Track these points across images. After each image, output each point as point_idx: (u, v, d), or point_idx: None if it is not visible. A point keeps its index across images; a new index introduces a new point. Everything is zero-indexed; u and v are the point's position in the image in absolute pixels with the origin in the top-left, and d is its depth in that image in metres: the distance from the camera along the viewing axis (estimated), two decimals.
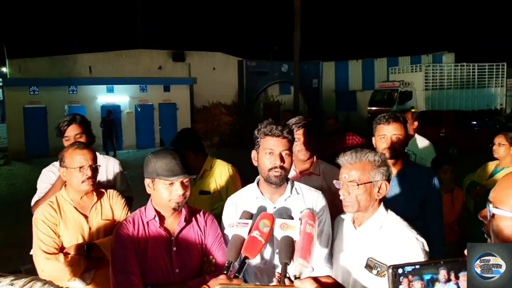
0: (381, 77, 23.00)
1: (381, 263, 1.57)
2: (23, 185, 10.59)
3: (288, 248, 1.47)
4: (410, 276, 0.93)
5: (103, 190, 2.31)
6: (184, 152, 1.91)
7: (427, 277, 0.94)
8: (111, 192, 2.32)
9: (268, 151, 1.83)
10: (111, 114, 15.64)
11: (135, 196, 2.71)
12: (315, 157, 2.57)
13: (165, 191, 1.72)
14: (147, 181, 1.76)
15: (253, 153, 1.92)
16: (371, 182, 1.69)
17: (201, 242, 1.83)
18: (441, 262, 0.95)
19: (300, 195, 1.93)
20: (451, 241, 3.19)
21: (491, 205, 1.05)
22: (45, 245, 2.05)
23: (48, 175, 2.62)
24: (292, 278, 1.33)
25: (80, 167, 2.12)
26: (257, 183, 1.95)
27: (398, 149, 2.37)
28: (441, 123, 12.74)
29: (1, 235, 2.45)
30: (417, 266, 0.95)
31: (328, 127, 4.99)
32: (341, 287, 1.05)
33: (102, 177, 2.61)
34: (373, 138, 2.49)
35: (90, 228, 2.18)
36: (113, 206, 2.27)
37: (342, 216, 1.89)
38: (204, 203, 2.71)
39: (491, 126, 13.79)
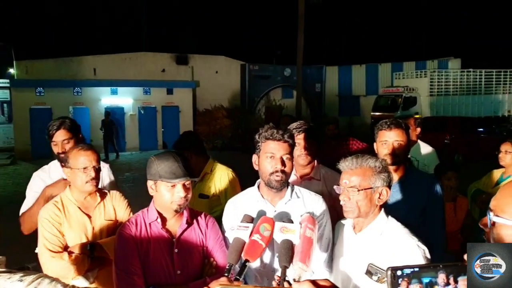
0: (385, 82, 22.94)
1: (381, 269, 1.57)
2: None
3: (288, 252, 1.48)
4: (409, 279, 0.94)
5: (106, 191, 2.34)
6: (186, 154, 1.92)
7: (426, 280, 0.94)
8: (114, 193, 2.35)
9: (269, 155, 1.84)
10: (109, 115, 15.67)
11: (138, 197, 2.72)
12: (315, 162, 2.58)
13: (167, 193, 1.74)
14: (149, 183, 1.78)
15: (254, 157, 1.93)
16: (371, 188, 1.69)
17: (202, 244, 1.85)
18: (441, 266, 0.95)
19: (300, 199, 1.94)
20: (454, 250, 3.17)
21: (491, 213, 1.05)
22: (50, 244, 2.09)
23: (35, 182, 2.62)
24: (291, 282, 1.34)
25: (84, 168, 2.15)
26: (258, 187, 1.96)
27: (400, 155, 2.37)
28: (446, 129, 12.65)
29: (7, 233, 2.48)
30: (416, 269, 0.95)
31: (328, 132, 5.01)
32: None
33: None
34: (375, 144, 2.49)
35: (93, 228, 2.21)
36: (116, 206, 2.30)
37: (343, 221, 1.90)
38: (203, 207, 2.72)
39: (498, 133, 13.65)
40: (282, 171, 1.83)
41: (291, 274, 1.42)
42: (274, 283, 1.45)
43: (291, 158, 1.88)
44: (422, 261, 1.61)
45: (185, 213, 1.83)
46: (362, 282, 1.66)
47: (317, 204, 1.95)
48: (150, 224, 1.80)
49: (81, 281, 2.06)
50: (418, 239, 1.69)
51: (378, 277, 1.51)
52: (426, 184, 2.45)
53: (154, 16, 28.53)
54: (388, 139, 2.38)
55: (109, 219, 2.25)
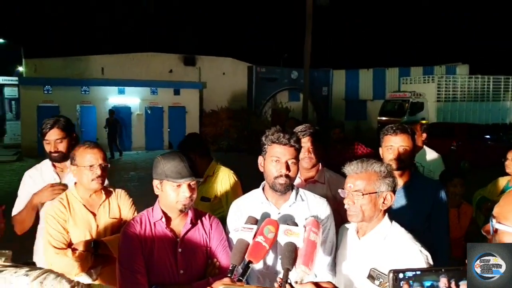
0: (392, 87, 22.85)
1: (383, 274, 1.57)
2: None
3: (291, 254, 1.48)
4: (410, 282, 0.94)
5: (111, 189, 2.36)
6: (190, 155, 1.93)
7: (427, 284, 0.95)
8: (119, 191, 2.37)
9: (274, 159, 1.84)
10: (114, 114, 15.70)
11: (143, 196, 2.74)
12: (320, 165, 2.58)
13: (173, 192, 1.75)
14: (155, 182, 1.80)
15: (260, 159, 1.94)
16: (376, 192, 1.70)
17: (206, 245, 1.86)
18: (442, 269, 0.95)
19: (304, 202, 1.94)
20: (457, 256, 3.15)
21: (494, 220, 1.05)
22: (55, 240, 2.11)
23: (26, 181, 2.63)
24: (293, 284, 1.35)
25: (90, 166, 2.17)
26: (262, 189, 1.96)
27: (405, 161, 2.37)
28: (453, 135, 12.58)
29: (12, 228, 2.52)
30: (418, 272, 0.96)
31: (334, 136, 5.01)
32: None
33: None
34: (380, 149, 2.49)
35: (97, 226, 2.23)
36: (121, 205, 2.32)
37: (346, 225, 1.90)
38: (205, 210, 2.72)
39: (506, 140, 13.53)
40: (287, 176, 1.83)
41: (293, 276, 1.42)
42: (276, 285, 1.46)
43: (297, 162, 1.88)
44: (425, 267, 1.61)
45: (190, 213, 1.84)
46: (364, 286, 1.66)
47: (322, 208, 1.95)
48: (154, 223, 1.81)
49: (84, 278, 2.08)
50: (422, 245, 1.68)
51: (380, 282, 1.51)
52: (431, 190, 2.44)
53: (162, 17, 28.73)
54: (393, 144, 2.38)
55: (113, 217, 2.27)
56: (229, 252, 1.80)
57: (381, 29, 31.95)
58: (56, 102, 16.09)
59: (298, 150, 1.89)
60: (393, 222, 1.77)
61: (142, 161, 14.42)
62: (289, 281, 1.38)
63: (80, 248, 2.11)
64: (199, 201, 2.82)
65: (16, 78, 18.38)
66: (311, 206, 1.94)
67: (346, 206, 1.73)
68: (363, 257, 1.73)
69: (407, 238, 1.70)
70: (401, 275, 0.95)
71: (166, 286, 1.75)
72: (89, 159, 2.18)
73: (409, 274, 0.95)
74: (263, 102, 21.53)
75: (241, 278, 1.44)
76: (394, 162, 2.31)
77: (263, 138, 1.91)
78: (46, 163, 2.67)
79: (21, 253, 2.38)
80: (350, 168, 1.75)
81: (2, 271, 1.06)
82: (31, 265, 1.15)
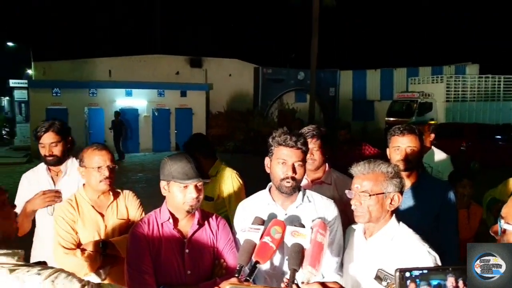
0: (400, 87, 22.70)
1: (391, 274, 1.56)
2: None
3: (298, 255, 1.48)
4: (417, 281, 0.94)
5: (119, 191, 2.38)
6: (196, 156, 1.94)
7: (434, 282, 0.94)
8: (127, 192, 2.39)
9: (281, 161, 1.84)
10: (119, 116, 15.74)
11: (151, 197, 2.75)
12: (327, 166, 2.57)
13: (180, 193, 1.76)
14: (162, 183, 1.81)
15: (266, 160, 1.94)
16: (383, 193, 1.69)
17: (213, 245, 1.87)
18: (450, 268, 0.95)
19: (311, 203, 1.94)
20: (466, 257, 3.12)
21: (502, 221, 1.04)
22: (64, 241, 2.14)
23: (22, 183, 2.63)
24: (300, 284, 1.34)
25: (99, 167, 2.19)
26: (269, 190, 1.96)
27: (413, 161, 2.35)
28: (463, 136, 12.48)
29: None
30: (425, 271, 0.95)
31: (340, 137, 5.01)
32: None
33: (72, 187, 2.51)
34: (387, 150, 2.48)
35: (106, 227, 2.25)
36: (128, 206, 2.34)
37: (353, 226, 1.89)
38: (208, 209, 2.73)
39: None
40: (293, 178, 1.83)
41: (300, 277, 1.42)
42: (282, 285, 1.46)
43: (303, 164, 1.88)
44: None
45: (197, 214, 1.85)
46: (371, 287, 1.66)
47: (329, 209, 1.95)
48: (162, 224, 1.82)
49: (93, 278, 2.10)
50: (429, 245, 1.67)
51: (388, 283, 1.50)
52: (440, 190, 2.42)
53: (168, 19, 28.87)
54: (401, 145, 2.36)
55: (121, 218, 2.29)
56: (236, 253, 1.81)
57: (389, 29, 31.75)
58: (64, 104, 16.27)
59: (305, 152, 1.88)
60: (401, 223, 1.76)
61: (149, 163, 14.50)
62: (295, 282, 1.38)
63: (89, 248, 2.13)
64: (203, 200, 2.84)
65: (26, 81, 18.58)
66: (318, 207, 1.93)
67: (353, 207, 1.73)
68: (370, 258, 1.72)
69: (415, 239, 1.69)
70: (407, 274, 0.95)
71: (173, 286, 1.76)
72: (97, 160, 2.20)
73: (416, 273, 0.95)
74: (269, 103, 21.53)
75: (248, 278, 1.44)
76: (401, 163, 2.30)
77: (270, 140, 1.90)
78: (42, 166, 2.67)
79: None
80: (357, 169, 1.75)
81: (15, 270, 1.08)
82: (43, 264, 1.17)
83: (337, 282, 1.06)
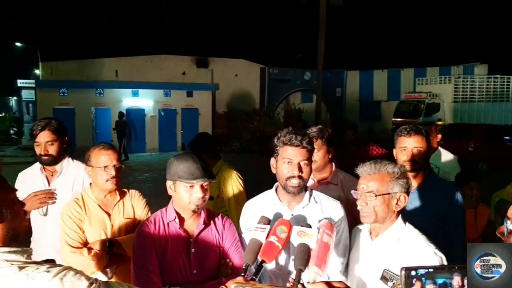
0: (408, 88, 22.58)
1: (396, 275, 1.56)
2: None
3: (304, 255, 1.48)
4: (423, 279, 0.94)
5: (125, 190, 2.39)
6: (202, 156, 1.95)
7: (440, 281, 0.94)
8: (133, 192, 2.40)
9: (286, 160, 1.84)
10: (123, 116, 15.73)
11: (157, 197, 2.77)
12: (334, 166, 2.57)
13: (186, 193, 1.77)
14: (168, 183, 1.82)
15: (272, 161, 1.94)
16: (389, 193, 1.68)
17: (219, 245, 1.87)
18: (456, 267, 0.95)
19: (318, 203, 1.93)
20: None
21: (509, 222, 1.04)
22: (71, 239, 2.15)
23: (18, 181, 2.59)
24: (306, 284, 1.35)
25: (105, 167, 2.20)
26: (275, 190, 1.97)
27: (419, 162, 2.34)
28: (470, 136, 12.38)
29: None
30: (431, 270, 0.95)
31: (347, 138, 5.00)
32: None
33: (67, 187, 2.53)
34: (394, 150, 2.47)
35: (112, 226, 2.26)
36: (135, 205, 2.35)
37: (359, 226, 1.89)
38: (209, 208, 2.75)
39: None
40: (299, 177, 1.83)
41: (306, 277, 1.42)
42: (288, 285, 1.46)
43: (309, 163, 1.87)
44: None
45: (203, 214, 1.85)
46: (377, 287, 1.65)
47: (336, 210, 1.94)
48: (168, 223, 1.83)
49: (99, 277, 2.11)
50: (436, 246, 1.66)
51: (394, 283, 1.50)
52: (447, 191, 2.41)
53: (175, 19, 29.00)
54: (407, 146, 2.36)
55: (127, 217, 2.31)
56: (241, 252, 1.81)
57: (396, 29, 31.58)
58: (71, 104, 16.42)
59: (310, 151, 1.88)
60: (407, 223, 1.75)
61: (156, 163, 14.56)
62: (301, 282, 1.38)
63: (96, 247, 2.14)
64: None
65: (33, 81, 18.75)
66: (325, 208, 1.93)
67: (359, 207, 1.73)
68: (376, 258, 1.71)
69: (421, 240, 1.69)
70: (413, 273, 0.94)
71: (179, 285, 1.76)
72: (103, 160, 2.21)
73: (422, 271, 0.95)
74: (275, 103, 21.52)
75: (254, 277, 1.45)
76: (408, 164, 2.29)
77: (275, 140, 1.91)
78: (37, 166, 2.64)
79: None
80: (363, 169, 1.74)
81: (24, 267, 1.09)
82: (51, 262, 1.18)
83: (342, 282, 1.06)
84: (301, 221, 1.73)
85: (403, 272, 0.94)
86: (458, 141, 10.53)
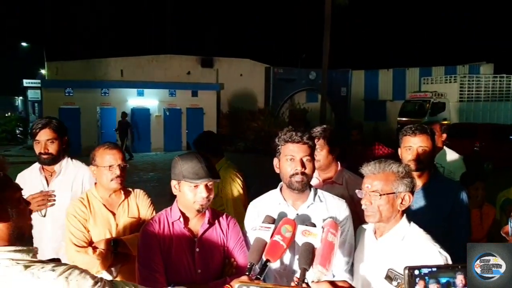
0: (413, 87, 22.46)
1: (401, 274, 1.55)
2: None
3: (308, 255, 1.48)
4: (426, 278, 0.94)
5: (130, 189, 2.40)
6: (207, 156, 1.95)
7: (443, 280, 0.94)
8: (138, 191, 2.41)
9: (289, 157, 1.84)
10: (126, 116, 15.74)
11: (162, 196, 2.77)
12: (339, 166, 2.56)
13: (190, 193, 1.77)
14: (173, 183, 1.82)
15: (275, 161, 1.94)
16: (394, 193, 1.68)
17: (223, 244, 1.87)
18: (459, 266, 0.95)
19: (323, 203, 1.93)
20: None
21: None
22: (76, 238, 2.16)
23: (16, 181, 2.58)
24: (310, 283, 1.34)
25: (110, 166, 2.21)
26: (280, 190, 1.96)
27: (424, 162, 2.33)
28: (476, 136, 12.31)
29: None
30: (434, 269, 0.95)
31: (352, 138, 4.99)
32: None
33: (66, 187, 2.53)
34: (399, 149, 2.46)
35: (117, 225, 2.27)
36: (139, 205, 2.36)
37: (364, 226, 1.89)
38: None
39: None
40: (303, 173, 1.82)
41: (310, 276, 1.42)
42: (293, 284, 1.46)
43: (312, 159, 1.87)
44: None
45: (207, 213, 1.86)
46: (381, 287, 1.65)
47: (341, 209, 1.94)
48: (173, 223, 1.84)
49: (104, 276, 2.13)
50: (440, 246, 1.66)
51: (398, 283, 1.49)
52: (452, 191, 2.40)
53: (180, 19, 29.08)
54: (412, 145, 2.35)
55: (132, 216, 2.31)
56: (246, 252, 1.81)
57: (402, 28, 31.43)
58: (77, 104, 16.51)
59: (312, 147, 1.88)
60: (412, 223, 1.75)
61: (161, 162, 14.61)
62: (305, 281, 1.38)
63: (101, 246, 2.16)
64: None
65: (39, 81, 18.87)
66: (330, 207, 1.92)
67: (363, 207, 1.72)
68: (380, 257, 1.71)
69: (426, 239, 1.68)
70: (416, 272, 0.94)
71: (183, 285, 1.77)
72: (108, 159, 2.22)
73: (425, 270, 0.95)
74: (280, 103, 21.51)
75: (258, 276, 1.45)
76: (413, 163, 2.28)
77: (276, 139, 1.91)
78: (36, 166, 2.62)
79: None
80: (368, 169, 1.74)
81: (30, 266, 1.10)
82: (57, 261, 1.19)
83: (346, 281, 1.06)
84: (306, 220, 1.73)
85: (406, 271, 0.94)
86: (463, 141, 10.48)
